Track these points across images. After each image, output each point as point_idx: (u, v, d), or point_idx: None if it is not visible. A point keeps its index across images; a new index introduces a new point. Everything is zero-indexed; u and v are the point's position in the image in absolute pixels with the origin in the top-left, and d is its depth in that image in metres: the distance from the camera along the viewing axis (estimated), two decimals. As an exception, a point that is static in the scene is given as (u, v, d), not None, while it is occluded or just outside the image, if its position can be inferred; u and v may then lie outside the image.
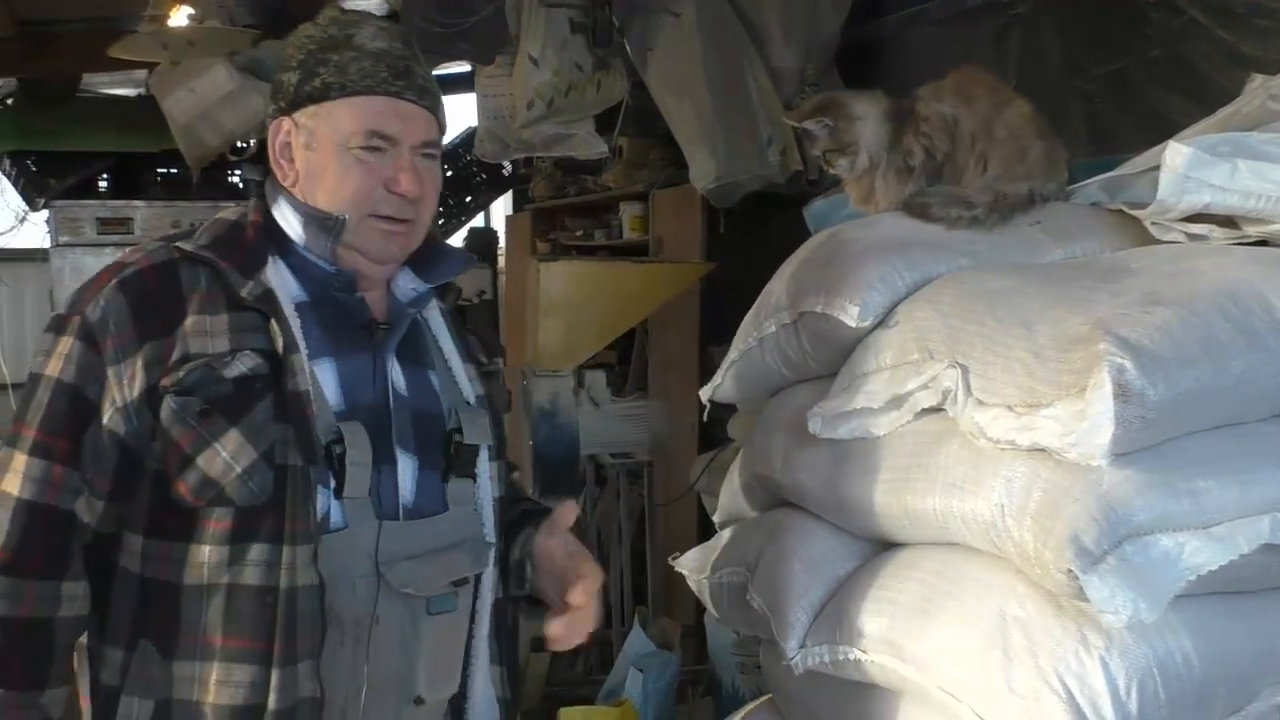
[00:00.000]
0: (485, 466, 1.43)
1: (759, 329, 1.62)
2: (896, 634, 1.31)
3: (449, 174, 6.74)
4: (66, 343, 1.28)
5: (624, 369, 4.27)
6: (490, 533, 1.43)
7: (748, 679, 2.84)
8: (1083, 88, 2.53)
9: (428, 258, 1.44)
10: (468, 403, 1.43)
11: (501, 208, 6.96)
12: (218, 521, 1.26)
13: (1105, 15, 2.50)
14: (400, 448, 1.34)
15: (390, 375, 1.37)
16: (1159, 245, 1.44)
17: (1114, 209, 1.55)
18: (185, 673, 1.27)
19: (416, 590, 1.33)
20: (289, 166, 1.37)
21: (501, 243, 6.36)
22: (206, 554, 1.26)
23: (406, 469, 1.35)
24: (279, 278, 1.33)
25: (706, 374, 1.79)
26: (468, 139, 6.44)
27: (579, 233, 4.88)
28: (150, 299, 1.28)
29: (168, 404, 1.25)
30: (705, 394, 1.77)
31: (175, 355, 1.26)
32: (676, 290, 3.61)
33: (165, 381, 1.25)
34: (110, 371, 1.26)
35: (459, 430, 1.40)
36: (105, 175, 6.61)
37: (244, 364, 1.26)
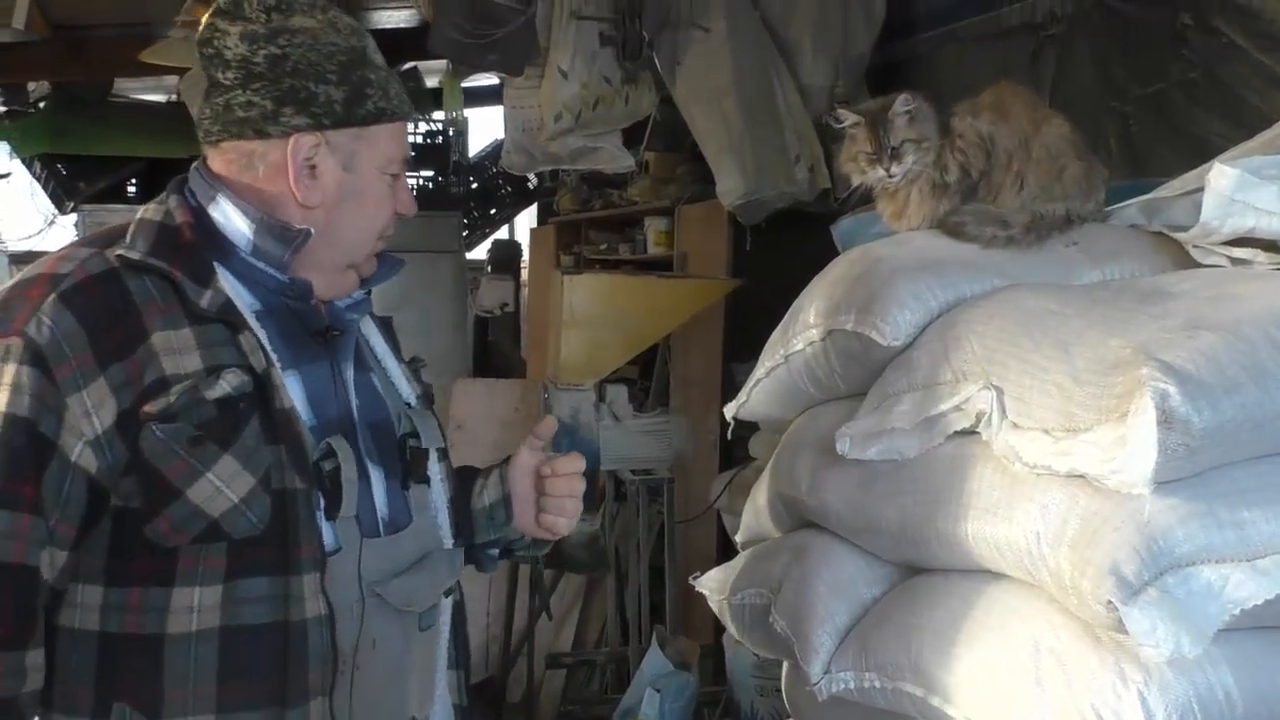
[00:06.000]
0: (436, 468, 1.37)
1: (787, 346, 1.59)
2: (924, 662, 1.28)
3: (474, 186, 6.78)
4: (8, 370, 1.12)
5: (646, 384, 4.24)
6: (448, 539, 1.37)
7: (767, 701, 2.81)
8: (1119, 110, 2.50)
9: None
10: (408, 404, 1.38)
11: (526, 220, 6.98)
12: (206, 559, 1.16)
13: (1142, 37, 2.47)
14: (369, 460, 1.29)
15: (349, 384, 1.31)
16: (1201, 269, 1.41)
17: (1153, 231, 1.52)
18: None
19: (418, 606, 1.29)
20: (311, 185, 1.26)
21: (525, 255, 6.37)
22: (196, 597, 1.15)
23: (378, 481, 1.29)
24: (229, 285, 1.23)
25: (729, 391, 1.77)
26: (494, 151, 6.48)
27: (603, 246, 4.87)
28: (102, 314, 1.15)
29: (151, 433, 1.13)
30: (730, 411, 1.74)
31: (148, 377, 1.14)
32: (701, 306, 3.58)
33: (148, 408, 1.13)
34: (71, 400, 1.12)
35: (413, 434, 1.35)
36: (134, 180, 6.67)
37: (228, 383, 1.16)
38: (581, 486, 1.44)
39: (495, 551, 1.52)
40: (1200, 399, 1.06)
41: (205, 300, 1.19)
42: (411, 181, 6.47)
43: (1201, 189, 1.43)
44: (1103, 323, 1.24)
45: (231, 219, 1.26)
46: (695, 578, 1.83)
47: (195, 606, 1.15)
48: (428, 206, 6.56)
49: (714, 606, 1.78)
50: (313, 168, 1.25)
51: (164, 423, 1.14)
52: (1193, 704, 1.08)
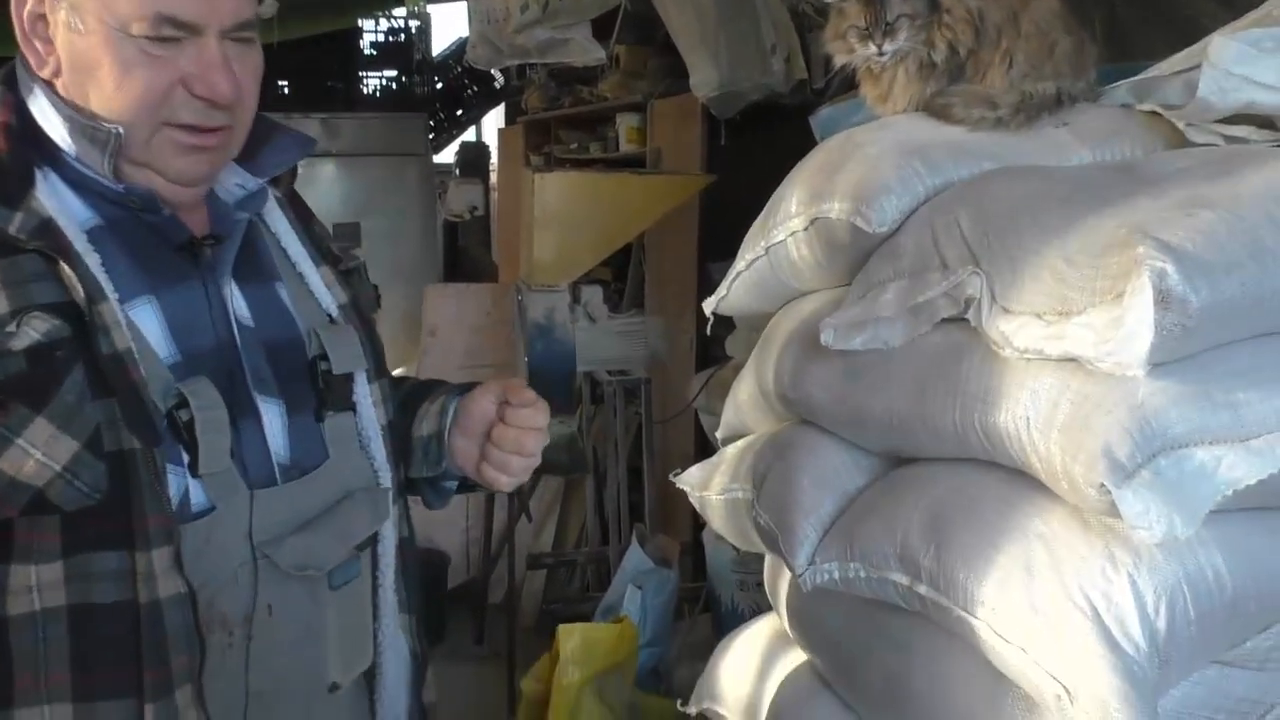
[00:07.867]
0: (365, 391, 1.18)
1: (767, 237, 1.55)
2: (911, 551, 1.27)
3: (439, 86, 6.59)
4: None
5: (621, 285, 4.20)
6: (384, 474, 1.19)
7: (746, 596, 2.83)
8: (1104, -10, 2.43)
9: (252, 143, 1.14)
10: (330, 317, 1.18)
11: (493, 121, 6.83)
12: (41, 533, 0.99)
13: (1130, -88, 2.38)
14: (259, 393, 1.09)
15: (230, 303, 1.10)
16: (1196, 148, 1.37)
17: (1146, 110, 1.48)
18: None
19: (315, 569, 1.11)
20: (46, 49, 1.04)
21: (494, 157, 6.25)
22: (34, 575, 0.99)
23: (273, 418, 1.10)
24: (56, 199, 1.02)
25: (705, 290, 1.73)
26: (458, 49, 6.29)
27: (574, 145, 4.77)
28: None
29: None
30: (710, 306, 1.71)
31: None
32: (675, 203, 3.52)
33: None
34: None
35: (324, 357, 1.15)
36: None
37: (34, 330, 0.97)
38: (534, 444, 1.21)
39: (452, 484, 1.33)
40: (1198, 277, 1.03)
41: (14, 225, 0.99)
42: (374, 82, 6.32)
43: (1193, 69, 1.38)
44: (1096, 204, 1.20)
45: (49, 117, 1.05)
46: (676, 475, 1.81)
47: (34, 585, 1.00)
48: (391, 108, 6.38)
49: (695, 503, 1.77)
50: (46, 27, 1.04)
51: None
52: (1182, 584, 1.07)
